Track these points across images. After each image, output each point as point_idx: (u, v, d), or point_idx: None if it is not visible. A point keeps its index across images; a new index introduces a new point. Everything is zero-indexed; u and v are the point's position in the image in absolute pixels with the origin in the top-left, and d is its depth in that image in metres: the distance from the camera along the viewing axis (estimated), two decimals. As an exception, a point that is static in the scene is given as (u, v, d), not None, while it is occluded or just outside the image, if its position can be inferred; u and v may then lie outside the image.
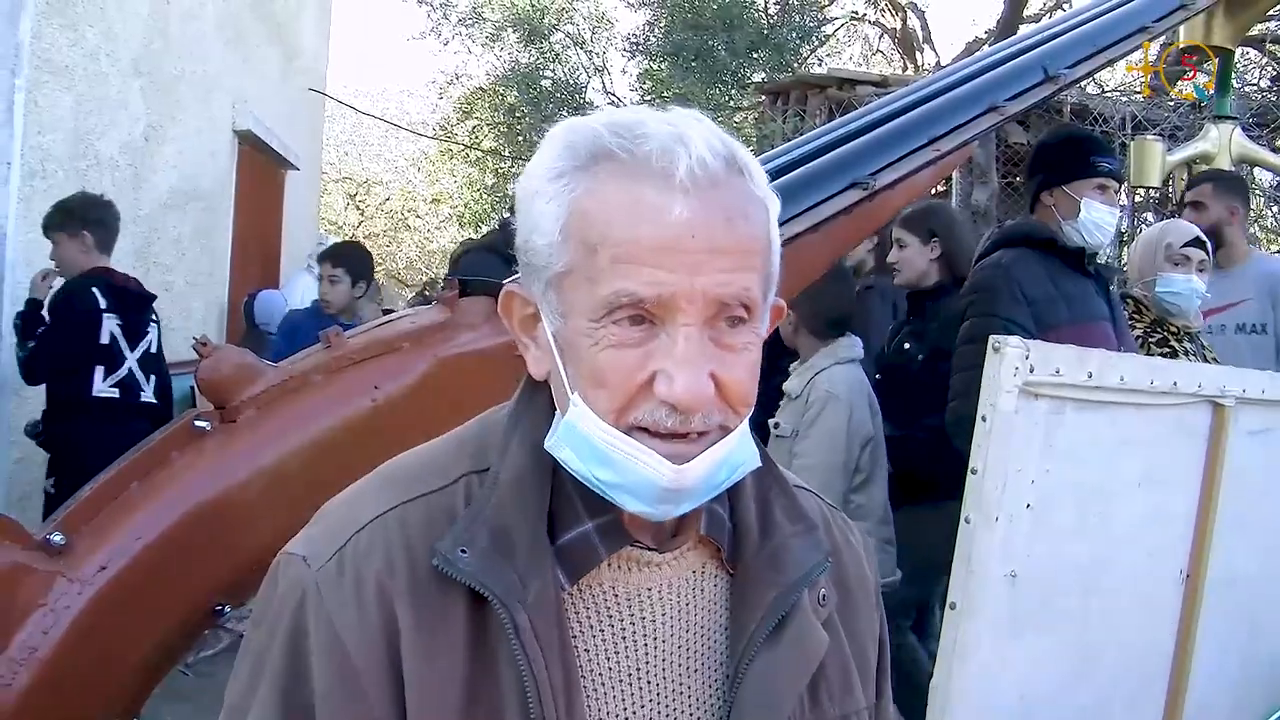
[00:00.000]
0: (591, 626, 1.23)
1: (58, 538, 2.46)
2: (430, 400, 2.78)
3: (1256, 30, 10.58)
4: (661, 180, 1.13)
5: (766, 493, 1.34)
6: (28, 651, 2.36)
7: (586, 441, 1.16)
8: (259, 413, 2.66)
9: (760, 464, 1.27)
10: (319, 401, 2.71)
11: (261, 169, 11.04)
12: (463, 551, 1.17)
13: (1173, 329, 4.62)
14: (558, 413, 1.23)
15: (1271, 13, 9.72)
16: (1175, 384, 3.00)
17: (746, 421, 1.21)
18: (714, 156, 1.15)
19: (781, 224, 3.24)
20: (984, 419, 2.52)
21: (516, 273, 1.29)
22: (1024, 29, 11.83)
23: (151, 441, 2.66)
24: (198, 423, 2.65)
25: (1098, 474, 2.87)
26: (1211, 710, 3.48)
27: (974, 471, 2.53)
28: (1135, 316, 4.62)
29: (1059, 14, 4.85)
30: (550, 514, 1.23)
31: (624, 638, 1.24)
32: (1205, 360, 4.72)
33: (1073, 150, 4.40)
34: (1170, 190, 9.67)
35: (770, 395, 4.61)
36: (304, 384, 2.72)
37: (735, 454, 1.20)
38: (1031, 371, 2.53)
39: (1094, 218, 4.21)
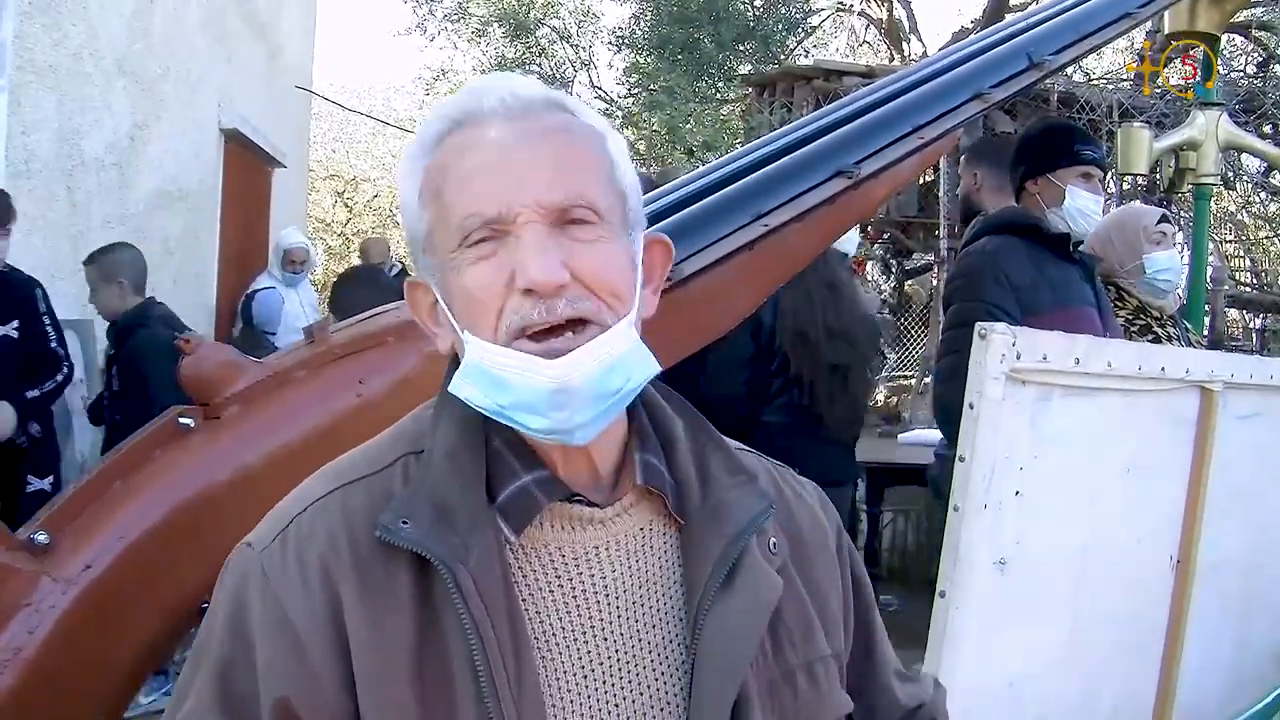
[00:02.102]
0: (541, 588, 1.25)
1: (41, 537, 2.45)
2: (416, 395, 2.75)
3: (1242, 16, 10.59)
4: (480, 117, 1.26)
5: (702, 449, 1.37)
6: (12, 652, 2.34)
7: (479, 369, 1.22)
8: (242, 409, 2.64)
9: (657, 369, 1.29)
10: (303, 397, 2.70)
11: (248, 167, 11.00)
12: (404, 523, 1.19)
13: (1155, 314, 4.65)
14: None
15: (1255, -1, 9.74)
16: (1163, 369, 3.00)
17: (632, 328, 1.25)
18: (527, 91, 1.28)
19: (765, 214, 3.24)
20: (971, 406, 2.51)
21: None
22: (1009, 18, 11.85)
23: (135, 439, 2.64)
24: (181, 420, 2.64)
25: (1086, 460, 2.86)
26: (1203, 696, 3.48)
27: (961, 459, 2.53)
28: (1117, 304, 4.64)
29: (1044, 1, 4.84)
30: (488, 480, 1.26)
31: (574, 596, 1.26)
32: (1190, 344, 4.74)
33: (1057, 139, 4.43)
34: (1158, 177, 9.68)
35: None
36: (288, 380, 2.70)
37: (625, 359, 1.23)
38: (1019, 358, 2.52)
39: (1078, 205, 4.23)
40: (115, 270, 6.27)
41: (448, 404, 1.29)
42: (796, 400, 4.67)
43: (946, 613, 2.53)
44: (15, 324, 5.58)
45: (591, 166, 1.27)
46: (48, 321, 5.75)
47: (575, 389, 1.19)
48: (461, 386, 1.24)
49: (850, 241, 5.91)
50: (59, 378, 5.74)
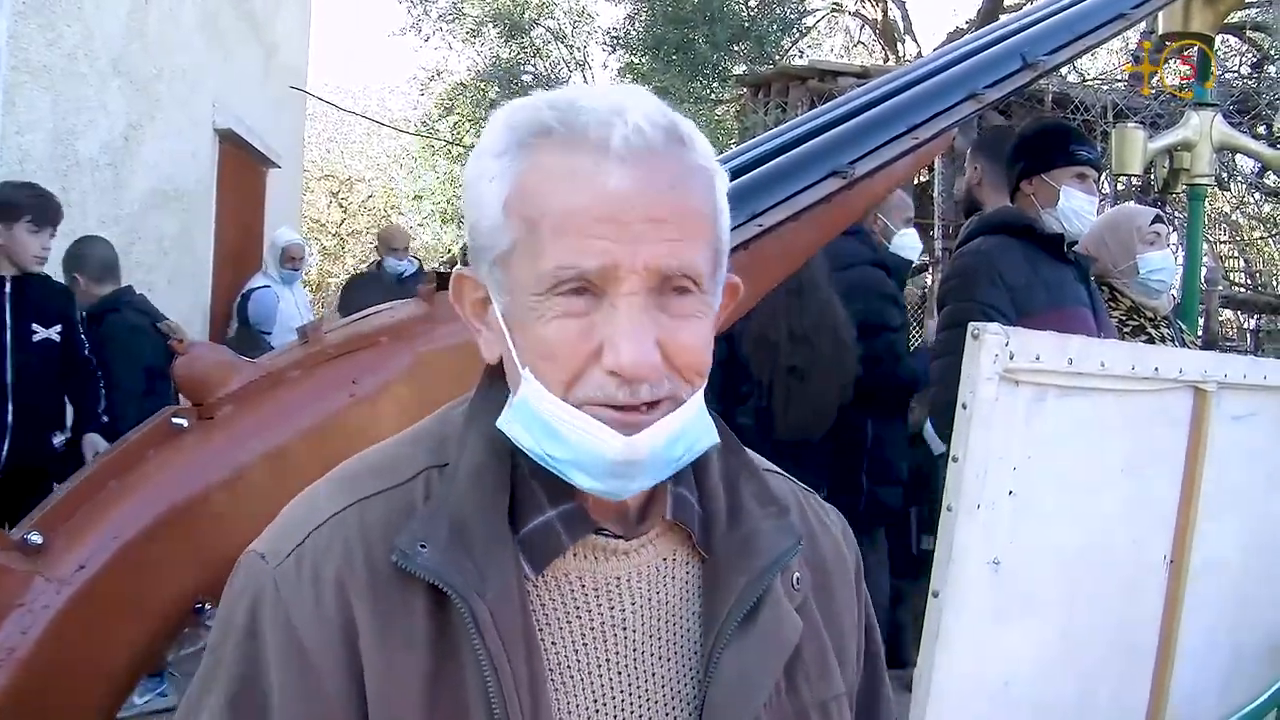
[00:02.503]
0: (559, 619, 1.22)
1: (35, 537, 2.45)
2: (410, 395, 2.77)
3: (1236, 17, 10.60)
4: (598, 150, 1.14)
5: (734, 477, 1.33)
6: (5, 652, 2.34)
7: (537, 417, 1.16)
8: (236, 409, 2.65)
9: (717, 441, 1.25)
10: (297, 397, 2.70)
11: (243, 168, 10.99)
12: (422, 547, 1.16)
13: (1148, 315, 4.65)
14: (511, 393, 1.22)
15: (1249, -1, 9.74)
16: (1156, 369, 3.00)
17: (701, 397, 1.20)
18: (651, 126, 1.16)
19: (760, 214, 3.24)
20: (964, 406, 2.51)
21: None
22: (1004, 18, 11.84)
23: (129, 439, 2.65)
24: (175, 420, 2.64)
25: (1080, 460, 2.86)
26: (1197, 695, 3.48)
27: (955, 459, 2.53)
28: (1110, 304, 4.64)
29: (1038, 1, 4.86)
30: (512, 506, 1.22)
31: (593, 628, 1.23)
32: (1184, 345, 4.74)
33: (1052, 139, 4.43)
34: (1152, 178, 9.68)
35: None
36: (281, 380, 2.71)
37: (691, 428, 1.19)
38: (1012, 358, 2.52)
39: (1073, 206, 4.23)
40: (69, 265, 6.33)
41: (478, 418, 1.26)
42: (758, 403, 4.70)
43: (940, 612, 2.53)
44: (59, 328, 5.66)
45: (704, 228, 1.20)
46: (80, 328, 5.85)
47: (640, 461, 1.15)
48: (511, 425, 1.19)
49: (912, 249, 5.91)
50: (102, 387, 5.82)
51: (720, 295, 1.27)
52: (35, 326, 5.50)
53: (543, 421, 1.16)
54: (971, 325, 2.52)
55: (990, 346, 2.47)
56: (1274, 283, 13.59)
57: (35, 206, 5.55)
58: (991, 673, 2.74)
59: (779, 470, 1.45)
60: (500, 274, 1.20)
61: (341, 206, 25.86)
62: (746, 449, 1.39)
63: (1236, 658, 3.74)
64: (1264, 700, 3.84)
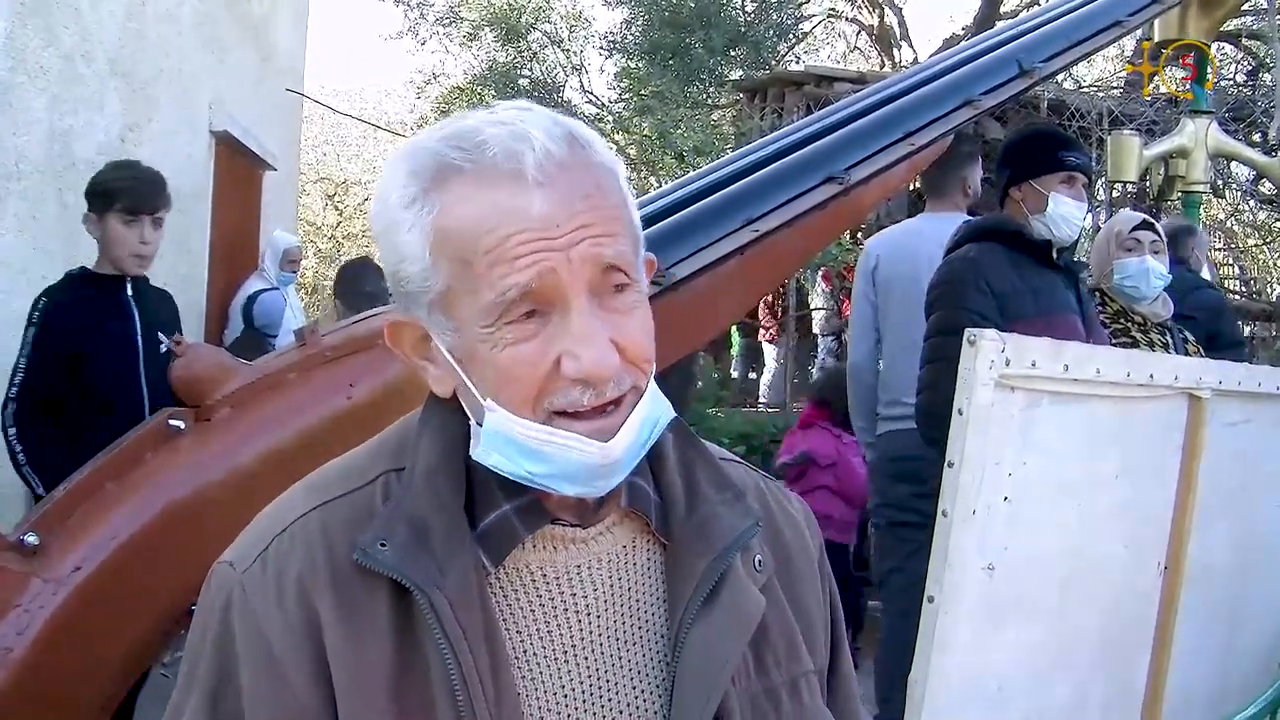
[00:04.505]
0: (521, 609, 1.25)
1: (32, 538, 2.45)
2: (406, 398, 2.77)
3: (1231, 25, 10.62)
4: (514, 180, 1.17)
5: (690, 465, 1.36)
6: (2, 653, 2.35)
7: (512, 442, 1.19)
8: (234, 411, 2.65)
9: (674, 415, 1.29)
10: (294, 399, 2.71)
11: (239, 170, 10.97)
12: (382, 545, 1.19)
13: (1137, 320, 4.65)
14: (473, 423, 1.25)
15: (1245, 7, 9.77)
16: (1152, 376, 3.00)
17: (652, 378, 1.25)
18: (556, 142, 1.19)
19: (755, 220, 3.25)
20: (960, 412, 2.51)
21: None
22: (1000, 25, 11.85)
23: (126, 441, 2.65)
24: (172, 422, 2.64)
25: (1075, 466, 2.87)
26: (1190, 702, 3.49)
27: (950, 465, 2.53)
28: (1099, 309, 4.64)
29: (1034, 9, 4.88)
30: (470, 502, 1.25)
31: (555, 616, 1.26)
32: (1184, 350, 4.74)
33: (1040, 145, 4.42)
34: (1148, 185, 9.70)
35: None
36: (279, 382, 2.71)
37: (652, 412, 1.23)
38: (1008, 364, 2.52)
39: (1061, 212, 4.22)
40: None
41: (430, 421, 1.29)
42: None
43: (935, 617, 2.53)
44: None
45: (620, 222, 1.23)
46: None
47: (618, 461, 1.20)
48: (487, 455, 1.21)
49: None
50: None
51: (645, 277, 1.29)
52: (161, 337, 4.58)
53: (518, 445, 1.19)
54: (968, 331, 2.52)
55: (986, 352, 2.48)
56: (1268, 290, 13.61)
57: (129, 191, 4.59)
58: (986, 677, 2.75)
59: (739, 460, 1.48)
60: (441, 315, 1.22)
61: (337, 209, 25.86)
62: (703, 440, 1.42)
63: (1231, 663, 3.74)
64: (1258, 706, 3.84)
